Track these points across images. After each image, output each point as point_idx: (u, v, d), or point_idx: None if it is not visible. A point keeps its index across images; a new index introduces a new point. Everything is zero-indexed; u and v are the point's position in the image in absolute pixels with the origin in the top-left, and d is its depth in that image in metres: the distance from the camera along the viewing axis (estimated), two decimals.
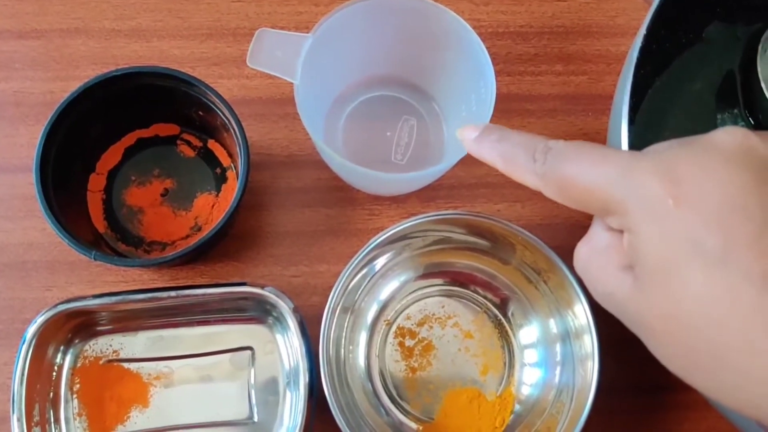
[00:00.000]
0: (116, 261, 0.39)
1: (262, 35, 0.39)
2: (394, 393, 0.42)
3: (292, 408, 0.40)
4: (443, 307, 0.43)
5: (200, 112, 0.43)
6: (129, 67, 0.40)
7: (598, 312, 0.38)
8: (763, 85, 0.41)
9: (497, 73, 0.39)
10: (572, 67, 0.49)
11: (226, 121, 0.41)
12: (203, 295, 0.39)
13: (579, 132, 0.48)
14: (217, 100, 0.40)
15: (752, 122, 0.43)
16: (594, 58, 0.49)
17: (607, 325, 0.38)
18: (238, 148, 0.40)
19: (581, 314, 0.38)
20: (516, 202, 0.46)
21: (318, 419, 0.38)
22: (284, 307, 0.39)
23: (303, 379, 0.38)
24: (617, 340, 0.42)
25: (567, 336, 0.40)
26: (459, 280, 0.43)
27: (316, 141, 0.38)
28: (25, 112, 0.45)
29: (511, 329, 0.43)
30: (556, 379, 0.40)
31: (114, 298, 0.39)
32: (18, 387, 0.37)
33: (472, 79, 0.41)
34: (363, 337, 0.42)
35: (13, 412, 0.37)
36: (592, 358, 0.37)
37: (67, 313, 0.38)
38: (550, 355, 0.41)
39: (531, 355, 0.42)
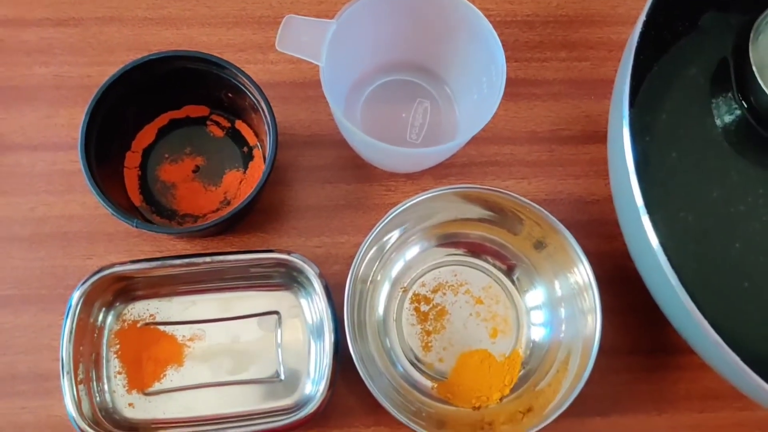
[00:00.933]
0: (156, 228, 0.42)
1: (289, 21, 0.42)
2: (411, 354, 0.45)
3: (317, 366, 0.43)
4: (456, 275, 0.46)
5: (230, 94, 0.46)
6: (166, 51, 0.43)
7: (599, 279, 0.41)
8: (754, 69, 0.44)
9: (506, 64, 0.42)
10: (576, 53, 0.52)
11: (255, 102, 0.44)
12: (235, 261, 0.42)
13: (582, 114, 0.51)
14: (247, 81, 0.43)
15: (745, 105, 0.46)
16: (596, 45, 0.52)
17: (607, 295, 0.41)
18: (266, 127, 0.43)
19: (582, 274, 0.42)
20: (523, 179, 0.49)
21: (341, 377, 0.42)
22: (310, 271, 0.42)
23: (329, 339, 0.41)
24: (617, 307, 0.46)
25: (570, 295, 0.43)
26: (470, 249, 0.46)
27: (338, 117, 0.42)
28: (64, 95, 0.49)
29: (519, 294, 0.46)
30: (562, 335, 0.43)
31: (154, 263, 0.42)
32: (66, 345, 0.40)
33: (483, 63, 0.44)
34: (381, 303, 0.45)
35: (63, 368, 0.40)
36: (594, 311, 0.41)
37: (110, 277, 0.41)
38: (555, 315, 0.44)
39: (537, 316, 0.45)
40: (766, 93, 0.44)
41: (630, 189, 0.38)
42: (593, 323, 0.41)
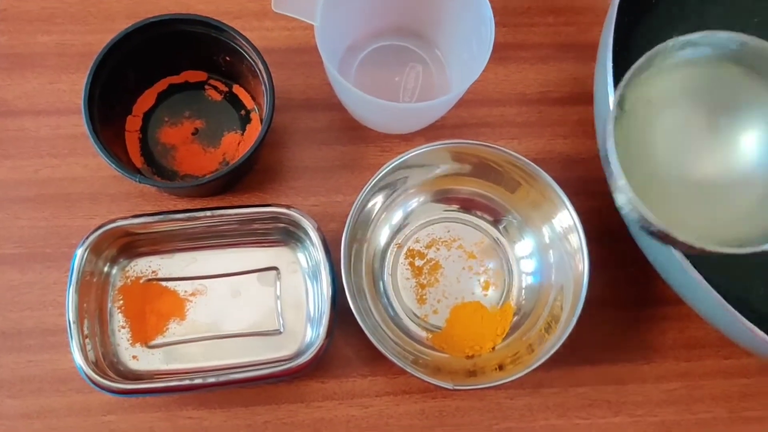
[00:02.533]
0: (158, 183, 0.43)
1: None
2: (406, 306, 0.46)
3: (315, 319, 0.44)
4: (449, 231, 0.48)
5: (227, 58, 0.47)
6: (165, 15, 0.44)
7: (587, 236, 0.43)
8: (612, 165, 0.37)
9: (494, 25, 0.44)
10: (563, 18, 0.54)
11: (252, 63, 0.45)
12: (235, 214, 0.44)
13: (570, 77, 0.52)
14: (245, 43, 0.45)
15: None
16: (583, 11, 0.54)
17: (595, 250, 0.43)
18: (263, 87, 0.45)
19: (567, 218, 0.43)
20: (513, 139, 0.51)
21: (338, 330, 0.43)
22: (308, 224, 0.43)
23: (327, 290, 0.42)
24: (605, 262, 0.47)
25: (557, 239, 0.45)
26: (463, 206, 0.48)
27: (332, 74, 0.43)
28: (66, 62, 0.50)
29: (509, 245, 0.47)
30: (552, 279, 0.45)
31: (156, 218, 0.43)
32: (72, 296, 0.41)
33: (472, 24, 0.46)
34: (377, 258, 0.47)
35: (69, 319, 0.41)
36: (580, 251, 0.42)
37: (114, 231, 0.43)
38: (545, 261, 0.46)
39: (528, 265, 0.47)
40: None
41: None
42: (581, 264, 0.42)
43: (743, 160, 0.36)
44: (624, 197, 0.35)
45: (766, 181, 0.36)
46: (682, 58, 0.36)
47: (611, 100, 0.41)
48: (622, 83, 0.36)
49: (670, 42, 0.36)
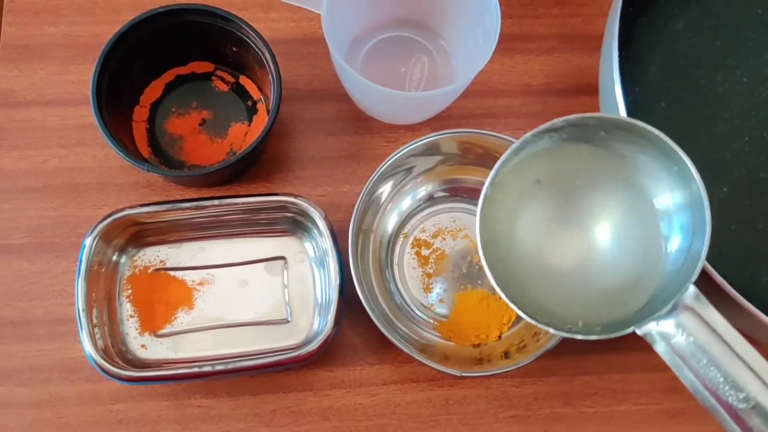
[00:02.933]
0: (166, 172, 0.44)
1: None
2: (412, 296, 0.46)
3: (323, 308, 0.44)
4: (455, 221, 0.48)
5: (234, 48, 0.47)
6: (172, 5, 0.45)
7: None
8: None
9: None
10: (568, 10, 0.54)
11: (259, 53, 0.45)
12: (243, 203, 0.44)
13: (575, 68, 0.53)
14: (252, 33, 0.45)
15: None
16: (587, 2, 0.54)
17: None
18: (270, 77, 0.45)
19: None
20: (519, 130, 0.50)
21: (345, 318, 0.43)
22: (316, 213, 0.44)
23: (335, 278, 0.43)
24: None
25: None
26: (468, 195, 0.48)
27: (339, 62, 0.43)
28: (73, 53, 0.50)
29: None
30: None
31: (164, 206, 0.43)
32: (82, 284, 0.41)
33: (477, 13, 0.46)
34: (384, 248, 0.47)
35: (78, 307, 0.41)
36: None
37: (122, 220, 0.43)
38: None
39: None
40: None
41: None
42: None
43: (601, 245, 0.37)
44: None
45: (625, 265, 0.36)
46: (542, 146, 0.37)
47: (617, 90, 0.41)
48: (498, 164, 0.36)
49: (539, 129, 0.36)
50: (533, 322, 0.34)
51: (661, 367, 0.47)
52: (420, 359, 0.40)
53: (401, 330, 0.45)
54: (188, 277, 0.46)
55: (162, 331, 0.44)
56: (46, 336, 0.45)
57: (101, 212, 0.47)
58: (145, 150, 0.48)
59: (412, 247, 0.47)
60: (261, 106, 0.49)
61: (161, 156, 0.48)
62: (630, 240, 0.37)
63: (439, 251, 0.47)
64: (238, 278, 0.46)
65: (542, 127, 0.35)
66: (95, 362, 0.41)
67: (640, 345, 0.47)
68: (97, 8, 0.51)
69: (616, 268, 0.36)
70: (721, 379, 0.30)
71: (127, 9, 0.51)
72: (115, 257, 0.45)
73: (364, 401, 0.45)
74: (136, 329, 0.44)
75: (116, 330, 0.44)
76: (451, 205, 0.48)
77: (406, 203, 0.48)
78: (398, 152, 0.44)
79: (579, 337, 0.33)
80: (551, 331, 0.33)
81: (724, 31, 0.50)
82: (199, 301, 0.45)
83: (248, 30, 0.45)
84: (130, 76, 0.47)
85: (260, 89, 0.49)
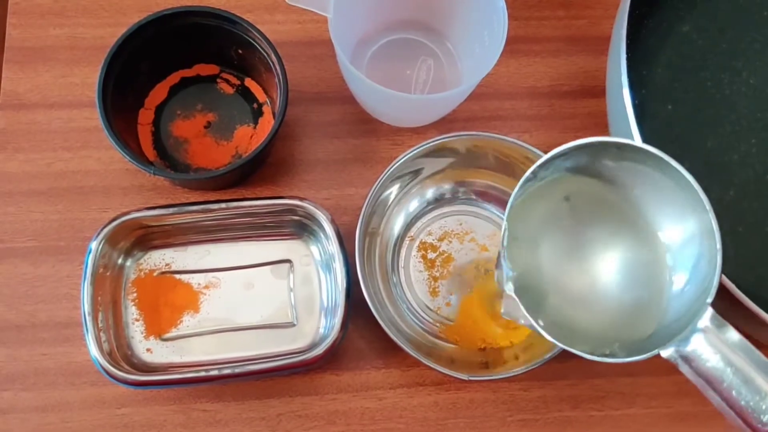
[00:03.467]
0: (172, 175, 0.43)
1: None
2: (419, 299, 0.46)
3: (329, 311, 0.44)
4: (461, 224, 0.48)
5: (240, 51, 0.47)
6: (179, 7, 0.44)
7: None
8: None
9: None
10: (573, 12, 0.54)
11: (265, 56, 0.45)
12: (249, 206, 0.44)
13: (580, 70, 0.52)
14: (257, 36, 0.45)
15: None
16: (593, 5, 0.54)
17: None
18: (276, 79, 0.45)
19: None
20: (524, 132, 0.51)
21: (351, 322, 0.43)
22: (322, 216, 0.43)
23: (341, 282, 0.42)
24: None
25: None
26: (474, 198, 0.48)
27: (345, 65, 0.43)
28: (78, 55, 0.50)
29: None
30: None
31: (170, 210, 0.43)
32: (88, 288, 0.41)
33: (484, 17, 0.46)
34: (390, 251, 0.47)
35: (84, 311, 0.41)
36: None
37: (128, 223, 0.43)
38: None
39: None
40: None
41: (631, 138, 0.40)
42: None
43: (610, 273, 0.37)
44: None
45: (629, 293, 0.37)
46: (552, 177, 0.37)
47: (625, 92, 0.41)
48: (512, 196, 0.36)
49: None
50: (573, 351, 0.34)
51: (670, 370, 0.47)
52: (427, 363, 0.40)
53: (407, 333, 0.44)
54: (194, 280, 0.45)
55: (167, 335, 0.44)
56: (50, 340, 0.45)
57: (106, 215, 0.47)
58: (150, 153, 0.48)
59: (419, 250, 0.47)
60: (267, 109, 0.49)
61: (167, 159, 0.48)
62: (636, 269, 0.37)
63: (446, 254, 0.47)
64: (244, 281, 0.45)
65: (549, 155, 0.35)
66: (101, 366, 0.40)
67: None
68: (102, 10, 0.51)
69: (621, 295, 0.37)
70: (745, 401, 0.31)
71: (133, 11, 0.51)
72: (120, 260, 0.44)
73: (371, 405, 0.45)
74: (142, 333, 0.44)
75: (122, 334, 0.44)
76: (458, 208, 0.48)
77: (413, 206, 0.48)
78: (405, 155, 0.44)
79: (609, 360, 0.33)
80: (586, 356, 0.33)
81: (730, 33, 0.50)
82: (205, 305, 0.45)
83: (254, 33, 0.45)
84: (136, 79, 0.47)
85: (266, 92, 0.49)
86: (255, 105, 0.49)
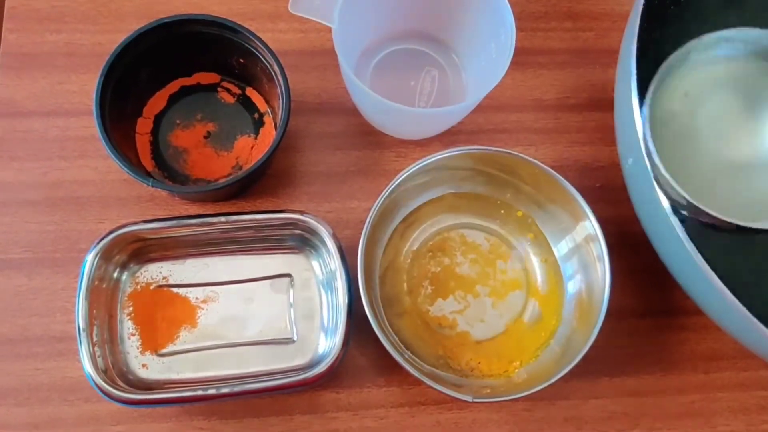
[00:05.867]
0: (171, 188, 0.42)
1: None
2: (422, 314, 0.45)
3: (329, 327, 0.43)
4: (466, 238, 0.47)
5: (241, 60, 0.46)
6: (180, 15, 0.44)
7: (610, 244, 0.42)
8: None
9: None
10: (580, 24, 0.53)
11: (267, 65, 0.44)
12: (249, 220, 0.43)
13: (587, 83, 0.52)
14: (259, 45, 0.44)
15: None
16: (600, 16, 0.53)
17: (613, 259, 0.42)
18: (278, 90, 0.44)
19: (588, 227, 0.43)
20: (530, 146, 0.50)
21: (352, 339, 0.42)
22: (324, 231, 0.42)
23: (343, 298, 0.42)
24: (623, 270, 0.47)
25: (577, 249, 0.44)
26: (479, 212, 0.47)
27: (349, 77, 0.42)
28: (76, 62, 0.49)
29: (528, 253, 0.47)
30: (572, 288, 0.44)
31: (168, 223, 0.42)
32: (83, 302, 0.40)
33: (491, 28, 0.45)
34: (392, 265, 0.46)
35: (79, 326, 0.40)
36: (602, 260, 0.41)
37: (125, 236, 0.42)
38: (564, 271, 0.45)
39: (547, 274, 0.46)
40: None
41: (641, 153, 0.39)
42: (602, 274, 0.41)
43: None
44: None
45: None
46: (716, 55, 0.37)
47: (635, 106, 0.40)
48: (657, 76, 0.36)
49: (705, 37, 0.36)
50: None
51: (675, 390, 0.46)
52: (431, 384, 0.39)
53: (408, 353, 0.44)
54: (191, 294, 0.44)
55: (164, 350, 0.43)
56: (44, 354, 0.44)
57: (103, 226, 0.46)
58: (148, 163, 0.47)
59: (422, 266, 0.46)
60: (268, 119, 0.48)
61: (165, 169, 0.47)
62: None
63: (449, 269, 0.46)
64: (243, 296, 0.44)
65: None
66: (95, 383, 0.39)
67: (652, 368, 0.47)
68: (101, 17, 0.50)
69: None
70: None
71: (132, 18, 0.50)
72: (116, 273, 0.43)
73: (372, 424, 0.44)
74: (138, 348, 0.43)
75: (117, 349, 0.43)
76: (463, 222, 0.47)
77: (416, 220, 0.47)
78: (409, 169, 0.43)
79: None
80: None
81: None
82: (203, 319, 0.44)
83: (256, 42, 0.44)
84: (135, 87, 0.46)
85: (267, 101, 0.48)
86: (256, 115, 0.48)
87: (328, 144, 0.49)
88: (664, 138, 0.38)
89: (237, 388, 0.40)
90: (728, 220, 0.36)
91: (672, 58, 0.37)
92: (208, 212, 0.47)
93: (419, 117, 0.46)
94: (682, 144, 0.39)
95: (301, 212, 0.43)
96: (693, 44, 0.37)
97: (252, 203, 0.47)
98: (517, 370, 0.43)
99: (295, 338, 0.44)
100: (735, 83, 0.39)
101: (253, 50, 0.45)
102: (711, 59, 0.38)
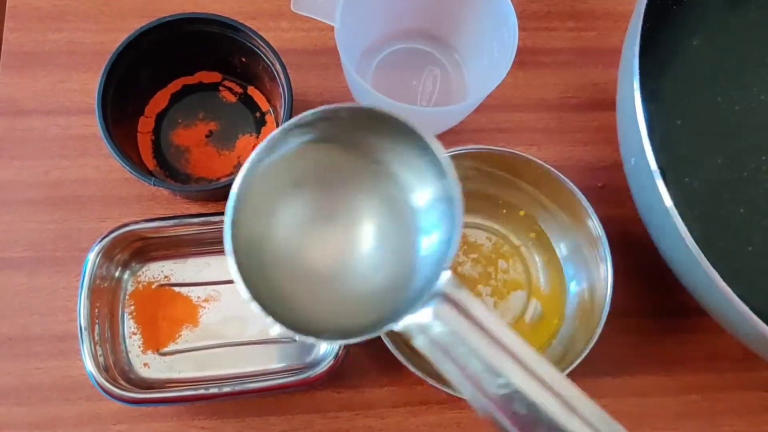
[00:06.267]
0: (173, 186, 0.42)
1: None
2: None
3: None
4: (468, 238, 0.47)
5: (243, 59, 0.46)
6: (182, 14, 0.43)
7: (612, 244, 0.42)
8: None
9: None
10: (583, 23, 0.53)
11: (269, 64, 0.44)
12: None
13: (590, 83, 0.52)
14: (261, 44, 0.44)
15: None
16: (602, 16, 0.53)
17: (616, 259, 0.42)
18: (280, 89, 0.44)
19: (591, 227, 0.43)
20: (532, 145, 0.50)
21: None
22: None
23: None
24: (626, 271, 0.47)
25: (579, 249, 0.44)
26: (481, 211, 0.47)
27: (352, 75, 0.42)
28: (77, 61, 0.49)
29: (531, 253, 0.47)
30: (575, 289, 0.44)
31: (170, 222, 0.42)
32: (84, 301, 0.40)
33: (493, 28, 0.45)
34: None
35: (80, 325, 0.40)
36: (604, 261, 0.41)
37: (126, 235, 0.42)
38: (567, 271, 0.45)
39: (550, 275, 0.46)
40: None
41: (643, 153, 0.39)
42: (605, 274, 0.41)
43: (361, 245, 0.35)
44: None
45: (385, 265, 0.34)
46: (297, 145, 0.33)
47: (638, 105, 0.40)
48: (245, 166, 0.32)
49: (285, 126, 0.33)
50: (294, 334, 0.31)
51: (677, 391, 0.46)
52: (433, 383, 0.39)
53: (410, 351, 0.43)
54: (193, 293, 0.44)
55: (166, 349, 0.43)
56: (45, 353, 0.43)
57: (104, 225, 0.46)
58: (150, 162, 0.47)
59: None
60: (270, 118, 0.48)
61: (167, 168, 0.47)
62: (388, 238, 0.35)
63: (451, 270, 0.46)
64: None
65: (290, 122, 0.31)
66: (97, 382, 0.39)
67: (655, 369, 0.47)
68: (102, 15, 0.50)
69: (376, 268, 0.34)
70: (481, 368, 0.29)
71: (134, 16, 0.50)
72: (118, 273, 0.43)
73: (374, 424, 0.44)
74: (139, 347, 0.43)
75: (118, 348, 0.42)
76: (465, 221, 0.47)
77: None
78: None
79: (340, 342, 0.33)
80: (311, 340, 0.32)
81: (741, 48, 0.49)
82: (204, 318, 0.44)
83: (258, 41, 0.44)
84: (136, 86, 0.46)
85: (269, 100, 0.48)
86: (258, 114, 0.48)
87: None
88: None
89: (239, 388, 0.40)
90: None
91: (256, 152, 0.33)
92: (209, 211, 0.46)
93: (421, 116, 0.46)
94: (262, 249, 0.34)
95: None
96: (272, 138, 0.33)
97: None
98: None
99: (296, 337, 0.44)
100: (316, 177, 0.35)
101: (255, 49, 0.44)
102: (292, 151, 0.33)
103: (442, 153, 0.31)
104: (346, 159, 0.34)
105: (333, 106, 0.31)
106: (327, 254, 0.35)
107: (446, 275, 0.30)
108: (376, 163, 0.34)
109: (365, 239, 0.35)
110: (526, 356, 0.29)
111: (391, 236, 0.35)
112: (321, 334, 0.32)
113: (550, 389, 0.28)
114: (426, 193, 0.33)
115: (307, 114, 0.31)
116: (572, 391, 0.29)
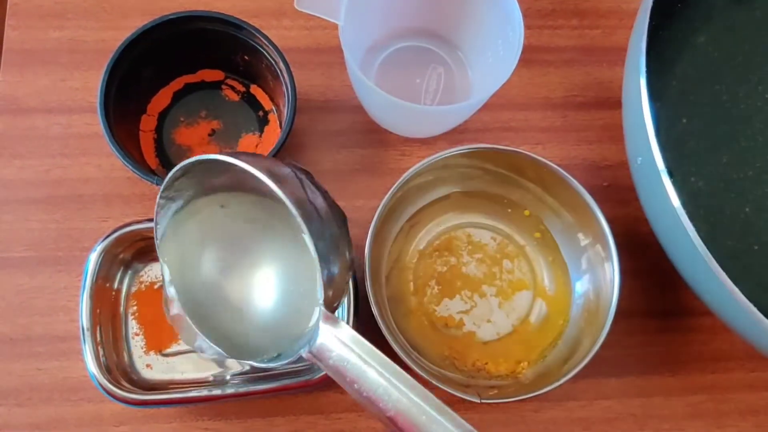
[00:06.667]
0: None
1: None
2: (429, 315, 0.45)
3: None
4: (473, 237, 0.46)
5: (246, 57, 0.46)
6: (185, 11, 0.43)
7: (618, 244, 0.41)
8: None
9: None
10: (587, 21, 0.53)
11: (272, 63, 0.44)
12: None
13: (595, 81, 0.51)
14: (264, 42, 0.43)
15: None
16: (607, 14, 0.53)
17: (622, 259, 0.41)
18: (283, 87, 0.44)
19: (597, 226, 0.42)
20: (537, 144, 0.49)
21: None
22: None
23: (349, 299, 0.41)
24: (631, 271, 0.46)
25: (585, 249, 0.44)
26: (486, 211, 0.47)
27: (356, 73, 0.41)
28: (79, 59, 0.48)
29: (536, 253, 0.46)
30: (581, 289, 0.44)
31: None
32: (87, 301, 0.40)
33: (498, 25, 0.45)
34: (398, 265, 0.46)
35: (83, 326, 0.39)
36: (610, 260, 0.41)
37: (128, 235, 0.41)
38: (573, 271, 0.45)
39: (555, 275, 0.46)
40: None
41: (650, 152, 0.39)
42: (611, 274, 0.41)
43: (270, 283, 0.39)
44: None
45: (291, 301, 0.38)
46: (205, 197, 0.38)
47: (644, 103, 0.40)
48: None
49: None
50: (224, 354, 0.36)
51: (683, 391, 0.46)
52: (437, 385, 0.39)
53: (415, 353, 0.43)
54: None
55: (168, 350, 0.43)
56: (46, 354, 0.43)
57: (106, 225, 0.45)
58: (152, 161, 0.46)
59: (428, 265, 0.46)
60: (272, 117, 0.48)
61: (169, 167, 0.46)
62: (293, 278, 0.38)
63: (456, 269, 0.46)
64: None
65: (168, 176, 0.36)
66: (99, 383, 0.39)
67: (660, 369, 0.46)
68: (104, 13, 0.50)
69: (283, 305, 0.38)
70: (369, 390, 0.32)
71: (136, 14, 0.50)
72: (120, 273, 0.43)
73: (378, 425, 0.43)
74: (142, 348, 0.43)
75: (121, 349, 0.42)
76: (469, 221, 0.47)
77: (423, 219, 0.46)
78: (416, 168, 0.42)
79: (262, 365, 0.35)
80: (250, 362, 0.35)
81: (746, 46, 0.49)
82: None
83: (261, 39, 0.43)
84: (138, 84, 0.45)
85: (272, 99, 0.48)
86: (260, 113, 0.48)
87: (334, 142, 0.49)
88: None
89: (242, 389, 0.40)
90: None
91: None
92: None
93: (425, 114, 0.45)
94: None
95: None
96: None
97: None
98: (524, 371, 0.43)
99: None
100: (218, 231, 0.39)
101: (258, 47, 0.44)
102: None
103: (281, 192, 0.32)
104: (252, 204, 0.38)
105: (183, 163, 0.35)
106: (242, 288, 0.39)
107: (317, 311, 0.34)
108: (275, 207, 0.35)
109: (272, 279, 0.39)
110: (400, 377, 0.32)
111: (296, 276, 0.38)
112: (254, 358, 0.36)
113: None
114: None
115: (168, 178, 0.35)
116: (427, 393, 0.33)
